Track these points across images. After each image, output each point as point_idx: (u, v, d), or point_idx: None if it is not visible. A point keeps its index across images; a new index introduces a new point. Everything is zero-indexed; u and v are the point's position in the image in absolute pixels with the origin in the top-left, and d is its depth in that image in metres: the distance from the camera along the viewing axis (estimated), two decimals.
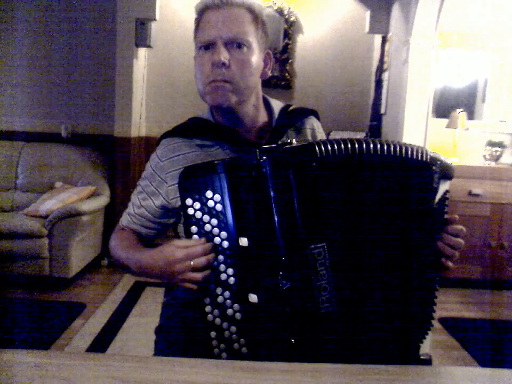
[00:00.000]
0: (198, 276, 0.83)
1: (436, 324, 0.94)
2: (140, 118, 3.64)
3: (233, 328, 0.83)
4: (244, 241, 0.81)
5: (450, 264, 0.90)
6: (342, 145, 0.81)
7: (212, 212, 0.83)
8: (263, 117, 1.05)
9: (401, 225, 0.86)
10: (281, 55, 3.79)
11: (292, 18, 3.76)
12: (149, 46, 3.50)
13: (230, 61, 0.93)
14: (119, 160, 3.50)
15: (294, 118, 1.07)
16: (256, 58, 0.97)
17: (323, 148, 0.80)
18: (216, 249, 0.84)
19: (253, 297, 0.81)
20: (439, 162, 0.89)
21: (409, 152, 0.86)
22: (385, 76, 3.60)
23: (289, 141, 0.83)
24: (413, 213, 0.87)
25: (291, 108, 1.08)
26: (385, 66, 3.61)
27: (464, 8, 3.66)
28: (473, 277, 3.29)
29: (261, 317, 0.81)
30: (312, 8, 3.79)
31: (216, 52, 0.93)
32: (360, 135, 3.44)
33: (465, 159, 3.69)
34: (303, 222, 0.79)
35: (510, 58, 3.81)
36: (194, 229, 0.85)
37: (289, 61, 3.81)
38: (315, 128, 1.11)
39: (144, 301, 2.88)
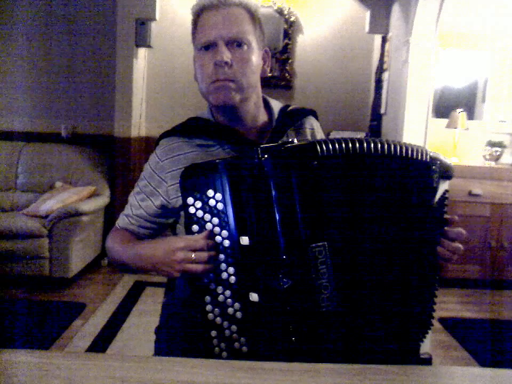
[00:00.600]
0: (199, 267, 0.83)
1: (436, 324, 0.94)
2: (140, 118, 3.64)
3: (233, 327, 0.83)
4: (245, 240, 0.81)
5: (444, 264, 0.92)
6: (343, 145, 0.82)
7: (213, 211, 0.84)
8: (263, 117, 1.06)
9: (401, 225, 0.86)
10: (281, 55, 3.79)
11: (292, 18, 3.76)
12: (149, 46, 3.50)
13: (232, 60, 0.94)
14: (119, 160, 3.50)
15: (294, 118, 1.08)
16: (256, 56, 0.98)
17: (324, 147, 0.81)
18: (217, 248, 0.84)
19: (254, 296, 0.81)
20: (438, 162, 0.90)
21: (409, 151, 0.86)
22: (385, 75, 3.60)
23: (290, 140, 0.83)
24: (412, 212, 0.87)
25: (290, 107, 1.09)
26: (385, 66, 3.61)
27: (464, 8, 3.66)
28: (473, 277, 3.29)
29: (262, 316, 0.81)
30: (312, 8, 3.79)
31: (218, 51, 0.93)
32: (360, 135, 3.44)
33: (465, 159, 3.69)
34: (304, 221, 0.79)
35: (510, 58, 3.81)
36: (195, 227, 0.85)
37: (289, 61, 3.81)
38: (314, 128, 1.11)
39: (144, 301, 2.88)
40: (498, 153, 3.63)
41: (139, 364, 0.69)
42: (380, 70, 3.69)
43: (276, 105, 1.09)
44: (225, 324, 0.83)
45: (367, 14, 3.66)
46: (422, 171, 0.88)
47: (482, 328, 2.75)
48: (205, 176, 0.84)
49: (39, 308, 2.68)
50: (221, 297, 0.84)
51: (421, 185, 0.88)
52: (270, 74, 3.73)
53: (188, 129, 1.04)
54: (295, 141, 0.84)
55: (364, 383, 0.66)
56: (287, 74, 3.81)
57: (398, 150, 0.86)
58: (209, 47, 0.95)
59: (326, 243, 0.80)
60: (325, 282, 0.80)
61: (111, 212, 3.49)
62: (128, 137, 3.48)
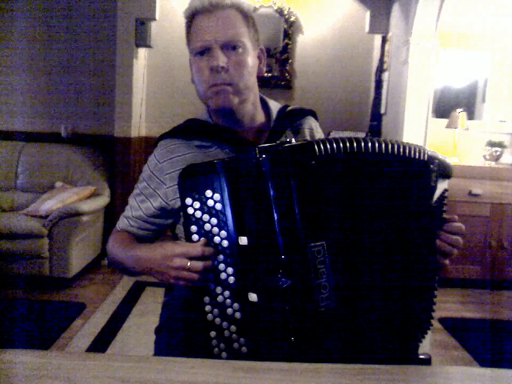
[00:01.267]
0: (193, 276, 0.83)
1: (436, 323, 0.94)
2: (140, 118, 3.64)
3: (233, 328, 0.83)
4: (243, 240, 0.81)
5: (447, 261, 0.91)
6: (341, 144, 0.82)
7: (211, 211, 0.84)
8: (261, 117, 1.06)
9: (399, 224, 0.86)
10: (281, 55, 3.79)
11: (292, 18, 3.76)
12: (149, 46, 3.50)
13: (228, 63, 0.94)
14: (119, 160, 3.50)
15: (292, 118, 1.08)
16: (251, 57, 0.98)
17: (322, 147, 0.81)
18: (216, 248, 0.84)
19: (253, 296, 0.81)
20: (436, 161, 0.89)
21: (407, 150, 0.87)
22: (385, 76, 3.60)
23: (288, 140, 0.83)
24: (411, 212, 0.87)
25: (289, 108, 1.09)
26: (385, 66, 3.61)
27: (464, 8, 3.66)
28: (473, 277, 3.29)
29: (261, 316, 0.81)
30: (312, 8, 3.79)
31: (213, 57, 0.94)
32: (360, 135, 3.43)
33: (465, 159, 3.69)
34: (303, 221, 0.79)
35: (510, 58, 3.81)
36: (194, 228, 0.85)
37: (289, 61, 3.81)
38: (313, 128, 1.11)
39: (144, 301, 2.88)
40: (498, 153, 3.63)
41: (139, 364, 0.69)
42: (380, 70, 3.69)
43: (275, 105, 1.09)
44: (225, 324, 0.83)
45: (367, 14, 3.67)
46: (420, 170, 0.88)
47: (482, 328, 2.75)
48: (203, 176, 0.84)
49: (39, 308, 2.68)
50: (220, 298, 0.84)
51: (419, 184, 0.88)
52: (269, 74, 3.72)
53: (186, 130, 1.04)
54: (293, 141, 0.84)
55: (363, 383, 0.66)
56: (287, 74, 3.81)
57: (396, 149, 0.86)
58: (204, 52, 0.95)
59: (324, 242, 0.80)
60: (324, 282, 0.79)
61: (111, 212, 3.49)
62: (128, 137, 3.48)
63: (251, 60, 0.98)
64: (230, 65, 0.94)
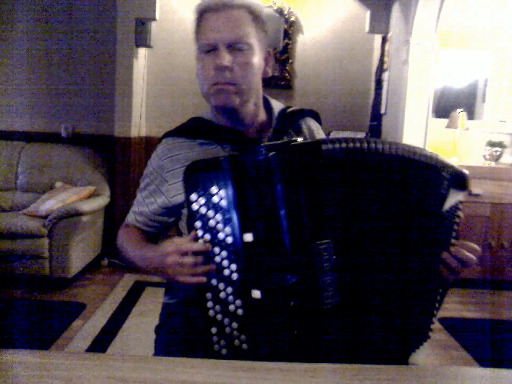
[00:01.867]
0: (188, 271, 0.84)
1: (436, 323, 0.94)
2: (140, 118, 3.64)
3: (234, 324, 0.83)
4: (248, 237, 0.81)
5: (450, 277, 0.88)
6: (348, 144, 0.82)
7: (216, 208, 0.83)
8: (262, 116, 1.06)
9: (405, 227, 0.85)
10: (281, 55, 3.79)
11: (292, 18, 3.76)
12: (149, 46, 3.50)
13: (233, 63, 0.94)
14: (119, 160, 3.50)
15: (292, 118, 1.08)
16: (257, 58, 0.98)
17: (329, 146, 0.81)
18: (220, 244, 0.83)
19: (256, 293, 0.81)
20: (450, 169, 0.88)
21: (417, 155, 0.86)
22: (385, 76, 3.60)
23: (293, 139, 0.84)
24: (416, 215, 0.86)
25: (290, 109, 1.09)
26: (385, 66, 3.61)
27: (464, 8, 3.66)
28: (473, 277, 3.29)
29: (263, 313, 0.81)
30: (312, 8, 3.79)
31: (219, 55, 0.94)
32: (360, 135, 3.44)
33: (465, 159, 3.69)
34: (310, 218, 0.79)
35: (510, 58, 3.81)
36: (198, 224, 0.84)
37: (289, 61, 3.81)
38: (313, 129, 1.12)
39: (144, 301, 2.88)
40: (498, 153, 3.63)
41: (139, 364, 0.69)
42: (380, 70, 3.68)
43: (277, 105, 1.09)
44: (226, 320, 0.83)
45: (367, 14, 3.66)
46: (430, 174, 0.87)
47: (482, 328, 2.75)
48: (209, 172, 0.83)
49: (39, 308, 2.68)
50: (222, 294, 0.83)
51: (427, 189, 0.87)
52: (271, 73, 3.75)
53: (189, 129, 1.05)
54: (299, 139, 0.84)
55: (363, 383, 0.66)
56: (287, 74, 3.81)
57: (406, 151, 0.85)
58: (210, 50, 0.96)
59: (331, 241, 0.80)
60: (329, 280, 0.80)
61: (111, 212, 3.49)
62: (128, 137, 3.48)
63: (257, 61, 0.98)
64: (234, 65, 0.95)
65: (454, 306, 3.01)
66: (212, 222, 0.84)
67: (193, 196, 0.84)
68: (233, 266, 0.83)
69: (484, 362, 2.31)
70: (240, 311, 0.83)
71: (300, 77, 3.86)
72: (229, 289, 0.83)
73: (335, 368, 0.71)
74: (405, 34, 3.20)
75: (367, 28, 3.69)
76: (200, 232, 0.85)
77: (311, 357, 0.78)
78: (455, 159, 3.55)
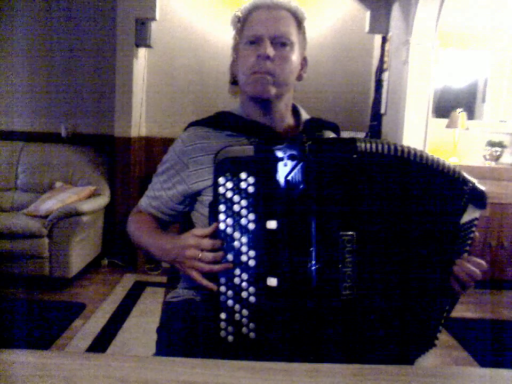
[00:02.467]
0: (205, 266, 0.85)
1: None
2: (140, 118, 3.64)
3: (244, 312, 0.83)
4: (272, 224, 0.82)
5: (461, 290, 0.91)
6: (382, 145, 0.85)
7: (242, 193, 0.84)
8: (290, 120, 1.10)
9: (424, 232, 0.88)
10: None
11: None
12: (149, 46, 3.50)
13: (274, 56, 0.99)
14: (119, 160, 3.50)
15: (318, 128, 1.12)
16: (296, 58, 1.04)
17: (364, 145, 0.84)
18: (241, 230, 0.84)
19: (272, 281, 0.82)
20: (471, 184, 0.91)
21: (441, 165, 0.89)
22: (385, 76, 3.59)
23: (326, 137, 0.87)
24: (436, 223, 0.88)
25: (317, 118, 1.15)
26: (385, 66, 3.61)
27: (464, 8, 3.66)
28: None
29: (277, 302, 0.82)
30: (312, 8, 3.78)
31: (263, 46, 0.99)
32: (360, 135, 3.44)
33: (465, 159, 3.69)
34: (338, 208, 0.82)
35: (510, 58, 3.81)
36: (222, 207, 0.85)
37: None
38: None
39: (144, 301, 2.88)
40: (498, 153, 3.63)
41: (139, 364, 0.69)
42: (380, 70, 3.68)
43: (305, 114, 1.13)
44: (237, 307, 0.83)
45: (367, 14, 3.66)
46: (452, 186, 0.90)
47: (482, 328, 2.75)
48: (240, 158, 0.85)
49: (39, 308, 2.68)
50: (236, 280, 0.84)
51: (449, 200, 0.89)
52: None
53: (217, 120, 1.08)
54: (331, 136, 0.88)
55: (363, 383, 0.66)
56: None
57: (430, 161, 0.88)
58: (254, 42, 1.00)
59: (355, 233, 0.81)
60: (349, 271, 0.81)
61: (111, 212, 3.49)
62: (128, 137, 3.48)
63: (295, 60, 1.03)
64: (276, 57, 0.99)
65: None
66: (236, 207, 0.84)
67: (221, 180, 0.85)
68: (252, 253, 0.84)
69: (484, 362, 2.31)
70: (252, 299, 0.83)
71: None
72: (244, 276, 0.84)
73: (335, 368, 0.71)
74: (405, 34, 3.20)
75: (367, 28, 3.69)
76: (222, 216, 0.85)
77: (317, 350, 0.79)
78: (455, 159, 3.54)
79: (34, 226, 2.88)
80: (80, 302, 2.80)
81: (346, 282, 0.81)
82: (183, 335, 0.99)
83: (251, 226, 0.84)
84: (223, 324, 0.83)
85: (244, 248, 0.84)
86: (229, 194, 0.85)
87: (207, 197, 1.00)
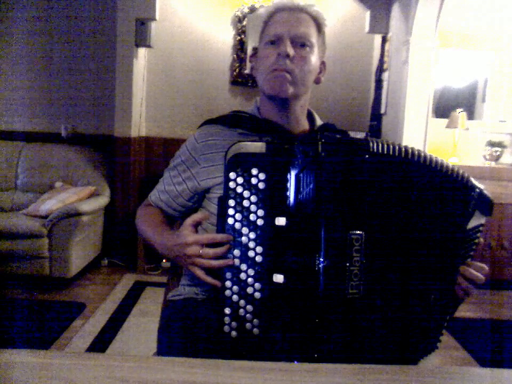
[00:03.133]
0: (206, 262, 0.86)
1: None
2: (140, 118, 3.64)
3: (249, 307, 0.83)
4: (281, 221, 0.82)
5: (463, 296, 0.91)
6: (394, 147, 0.85)
7: (253, 189, 0.84)
8: (304, 124, 1.11)
9: (430, 235, 0.88)
10: None
11: None
12: (149, 46, 3.50)
13: (294, 55, 1.01)
14: (119, 160, 3.50)
15: (332, 131, 1.12)
16: (315, 60, 1.06)
17: (375, 146, 0.84)
18: (249, 226, 0.85)
19: (279, 277, 0.82)
20: (478, 190, 0.91)
21: (450, 170, 0.89)
22: (385, 75, 3.59)
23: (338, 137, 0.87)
24: (442, 227, 0.89)
25: (331, 123, 1.16)
26: (385, 66, 3.61)
27: (464, 8, 3.66)
28: None
29: (282, 299, 0.82)
30: None
31: (283, 45, 1.01)
32: (360, 135, 3.44)
33: (465, 159, 3.69)
34: (348, 207, 0.82)
35: (510, 58, 3.81)
36: (231, 202, 0.85)
37: None
38: None
39: (144, 301, 2.88)
40: (498, 153, 3.63)
41: (139, 364, 0.69)
42: (380, 70, 3.68)
43: (319, 120, 1.15)
44: (242, 302, 0.83)
45: (367, 14, 3.66)
46: (461, 191, 0.90)
47: (482, 328, 2.75)
48: (252, 154, 0.85)
49: (39, 308, 2.68)
50: (242, 275, 0.84)
51: (457, 205, 0.90)
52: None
53: (231, 119, 1.09)
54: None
55: (363, 383, 0.66)
56: None
57: (440, 165, 0.88)
58: (275, 41, 1.02)
59: (363, 233, 0.82)
60: (356, 270, 0.81)
61: (111, 212, 3.49)
62: (128, 137, 3.48)
63: (315, 62, 1.06)
64: (295, 57, 1.01)
65: None
66: (245, 203, 0.85)
67: (232, 175, 0.85)
68: (259, 249, 0.84)
69: (484, 362, 2.31)
70: (258, 295, 0.83)
71: None
72: (251, 271, 0.84)
73: (335, 368, 0.71)
74: (405, 34, 3.20)
75: (367, 28, 3.69)
76: (231, 211, 0.85)
77: (320, 349, 0.79)
78: (455, 159, 3.54)
79: (34, 226, 2.88)
80: (80, 302, 2.80)
81: (353, 281, 0.81)
82: (184, 333, 0.99)
83: (260, 222, 0.84)
84: (227, 319, 0.83)
85: (252, 244, 0.84)
86: (239, 189, 0.85)
87: (215, 195, 1.02)
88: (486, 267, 0.92)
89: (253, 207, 0.84)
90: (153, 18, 3.41)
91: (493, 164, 3.60)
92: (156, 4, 3.39)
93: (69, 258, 2.93)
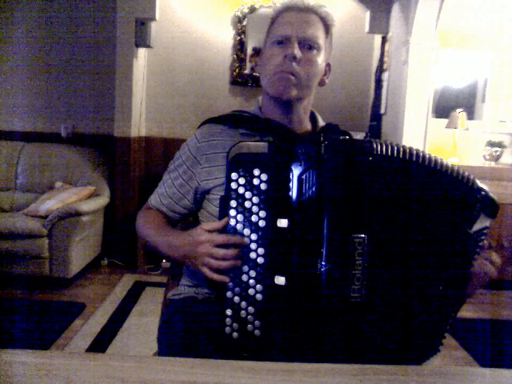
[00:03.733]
0: (218, 262, 0.85)
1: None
2: (140, 118, 3.64)
3: (251, 309, 0.83)
4: (283, 223, 0.82)
5: (477, 287, 0.92)
6: (397, 148, 0.84)
7: (254, 190, 0.84)
8: (307, 125, 1.10)
9: (434, 237, 0.87)
10: None
11: None
12: (149, 46, 3.50)
13: (301, 57, 1.00)
14: (119, 160, 3.50)
15: (334, 133, 1.12)
16: (322, 63, 1.04)
17: (379, 147, 0.83)
18: (251, 227, 0.84)
19: (280, 280, 0.81)
20: (483, 193, 0.91)
21: (455, 172, 0.89)
22: (385, 75, 3.59)
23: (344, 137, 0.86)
24: (447, 229, 0.88)
25: (334, 124, 1.15)
26: (385, 66, 3.61)
27: (464, 8, 3.66)
28: None
29: (284, 301, 0.81)
30: None
31: (290, 46, 1.00)
32: (360, 135, 3.44)
33: (465, 159, 3.69)
34: (351, 210, 0.81)
35: (510, 58, 3.81)
36: (233, 203, 0.85)
37: None
38: None
39: (144, 301, 2.88)
40: (498, 153, 3.63)
41: (139, 364, 0.69)
42: (380, 70, 3.68)
43: (321, 121, 1.14)
44: (243, 304, 0.83)
45: (367, 14, 3.66)
46: (466, 194, 0.89)
47: (482, 328, 2.75)
48: (254, 155, 0.84)
49: (39, 308, 2.68)
50: (244, 277, 0.83)
51: (462, 207, 0.89)
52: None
53: (232, 118, 1.08)
54: (347, 138, 0.86)
55: (363, 383, 0.66)
56: None
57: (445, 167, 0.88)
58: (282, 42, 1.01)
59: (366, 236, 0.81)
60: (359, 274, 0.81)
61: (111, 212, 3.49)
62: (128, 137, 3.48)
63: (320, 65, 1.04)
64: (302, 60, 1.00)
65: None
66: (247, 204, 0.84)
67: (234, 175, 0.85)
68: (261, 250, 0.83)
69: (484, 362, 2.31)
70: (259, 296, 0.83)
71: None
72: (252, 273, 0.84)
73: (335, 368, 0.70)
74: (405, 34, 3.20)
75: (367, 28, 3.69)
76: (233, 212, 0.85)
77: (321, 351, 0.79)
78: (455, 159, 3.54)
79: (34, 226, 2.88)
80: (80, 302, 2.80)
81: (355, 285, 0.81)
82: (185, 332, 0.99)
83: (261, 223, 0.83)
84: (228, 320, 0.83)
85: (253, 246, 0.84)
86: (241, 190, 0.84)
87: (216, 196, 1.00)
88: (499, 260, 0.93)
89: (254, 208, 0.84)
90: (153, 18, 3.41)
91: (493, 164, 3.60)
92: (156, 4, 3.39)
93: (69, 258, 2.93)
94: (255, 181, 0.84)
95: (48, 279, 2.93)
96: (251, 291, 0.83)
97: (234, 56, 3.71)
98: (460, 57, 3.83)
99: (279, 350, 0.82)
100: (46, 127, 3.70)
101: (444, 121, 3.66)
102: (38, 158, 3.47)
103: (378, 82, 3.69)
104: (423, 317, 0.88)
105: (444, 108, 3.80)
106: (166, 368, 0.68)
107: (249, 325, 0.83)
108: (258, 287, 0.83)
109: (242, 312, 0.83)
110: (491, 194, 0.92)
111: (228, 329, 0.83)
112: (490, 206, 0.92)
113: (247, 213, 0.84)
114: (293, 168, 0.82)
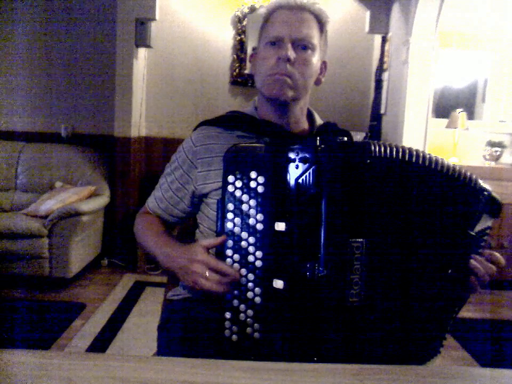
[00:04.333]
0: (210, 285, 0.83)
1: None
2: (140, 118, 3.64)
3: (250, 312, 0.83)
4: (280, 226, 0.81)
5: (478, 286, 0.90)
6: (396, 149, 0.83)
7: (252, 193, 0.83)
8: (304, 125, 1.09)
9: (435, 240, 0.86)
10: None
11: None
12: (149, 46, 3.50)
13: (295, 58, 0.98)
14: (119, 160, 3.50)
15: (332, 132, 1.11)
16: (317, 62, 1.03)
17: (378, 148, 0.82)
18: (248, 230, 0.83)
19: (279, 283, 0.81)
20: (486, 193, 0.90)
21: (458, 173, 0.88)
22: (385, 75, 3.59)
23: (342, 138, 0.85)
24: (448, 231, 0.87)
25: (332, 122, 1.14)
26: (385, 66, 3.61)
27: (464, 8, 3.66)
28: None
29: (282, 304, 0.81)
30: None
31: (284, 47, 0.98)
32: (360, 135, 3.44)
33: (465, 159, 3.69)
34: (349, 214, 0.80)
35: (510, 58, 3.81)
36: (230, 206, 0.84)
37: None
38: None
39: (144, 301, 2.88)
40: (498, 153, 3.63)
41: (139, 364, 0.69)
42: (380, 70, 3.68)
43: (319, 120, 1.12)
44: (242, 307, 0.83)
45: (367, 14, 3.66)
46: (468, 195, 0.89)
47: (482, 328, 2.75)
48: (251, 157, 0.83)
49: (39, 307, 2.68)
50: (243, 280, 0.83)
51: (464, 208, 0.88)
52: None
53: (228, 120, 1.06)
54: (345, 139, 0.85)
55: (363, 383, 0.66)
56: None
57: (446, 168, 0.87)
58: (275, 42, 0.99)
59: (364, 240, 0.80)
60: (356, 279, 0.80)
61: (111, 212, 3.49)
62: (128, 137, 3.48)
63: (316, 65, 1.03)
64: (296, 61, 0.98)
65: None
66: (244, 207, 0.83)
67: (231, 178, 0.84)
68: (259, 254, 0.83)
69: (484, 362, 2.31)
70: (258, 299, 0.83)
71: None
72: (250, 276, 0.83)
73: (335, 368, 0.70)
74: (405, 34, 3.20)
75: (367, 28, 3.69)
76: (230, 215, 0.84)
77: (320, 354, 0.79)
78: (455, 159, 3.54)
79: (34, 226, 2.88)
80: (80, 302, 2.80)
81: (353, 289, 0.80)
82: (184, 333, 0.99)
83: (259, 226, 0.83)
84: (227, 323, 0.83)
85: (251, 249, 0.83)
86: (238, 193, 0.84)
87: (213, 200, 0.99)
88: (503, 260, 0.91)
89: (252, 211, 0.83)
90: (153, 19, 3.41)
91: (493, 163, 3.60)
92: (156, 4, 3.39)
93: (69, 258, 2.93)
94: (252, 184, 0.83)
95: (48, 279, 2.93)
96: (250, 294, 0.83)
97: (234, 56, 3.71)
98: (460, 57, 3.83)
99: (278, 352, 0.81)
100: (46, 127, 3.70)
101: (444, 121, 3.66)
102: (38, 158, 3.47)
103: (378, 82, 3.69)
104: (423, 319, 0.87)
105: (444, 108, 3.80)
106: (166, 368, 0.68)
107: (248, 328, 0.82)
108: (257, 290, 0.83)
109: (242, 315, 0.83)
110: (494, 194, 0.91)
111: (227, 331, 0.83)
112: (493, 206, 0.91)
113: (244, 216, 0.84)
114: (290, 171, 0.81)
